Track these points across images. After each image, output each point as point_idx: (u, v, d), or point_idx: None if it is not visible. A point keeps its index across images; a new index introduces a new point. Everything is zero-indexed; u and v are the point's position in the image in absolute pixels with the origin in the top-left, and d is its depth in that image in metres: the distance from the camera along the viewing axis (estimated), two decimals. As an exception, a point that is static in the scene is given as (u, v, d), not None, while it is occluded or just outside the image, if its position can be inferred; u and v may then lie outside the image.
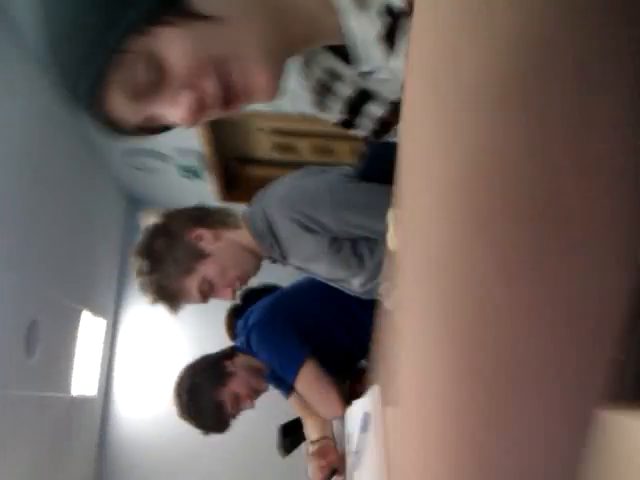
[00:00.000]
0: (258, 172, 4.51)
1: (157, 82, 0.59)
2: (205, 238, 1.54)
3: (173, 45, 0.57)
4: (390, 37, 0.61)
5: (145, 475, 4.57)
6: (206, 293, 1.56)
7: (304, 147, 4.14)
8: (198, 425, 1.96)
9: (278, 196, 1.50)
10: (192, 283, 1.53)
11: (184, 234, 1.52)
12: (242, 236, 1.57)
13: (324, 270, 1.58)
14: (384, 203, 1.43)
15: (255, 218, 1.55)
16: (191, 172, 4.23)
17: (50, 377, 3.82)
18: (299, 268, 1.64)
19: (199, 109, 0.62)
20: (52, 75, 0.61)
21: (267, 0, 0.62)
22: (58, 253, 3.79)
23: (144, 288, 1.55)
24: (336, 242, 1.49)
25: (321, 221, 1.44)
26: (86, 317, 4.31)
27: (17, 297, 3.30)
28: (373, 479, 1.39)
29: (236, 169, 4.51)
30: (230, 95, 0.63)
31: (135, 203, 4.73)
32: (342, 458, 1.85)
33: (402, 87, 0.67)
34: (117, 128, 0.65)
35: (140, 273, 1.54)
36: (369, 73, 0.69)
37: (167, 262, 1.51)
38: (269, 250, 1.57)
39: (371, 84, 0.71)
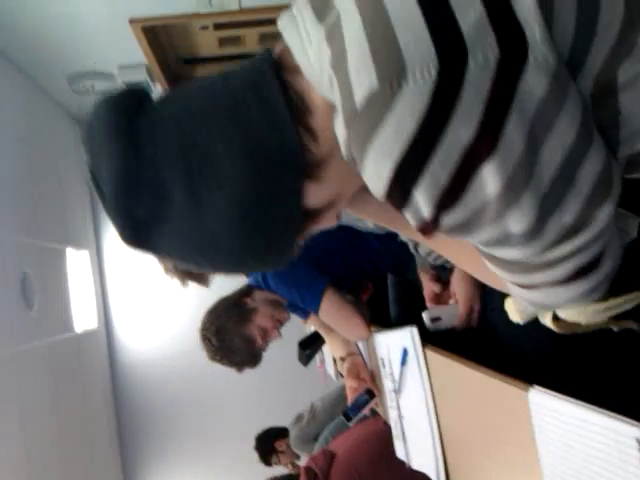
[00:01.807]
0: (207, 71, 4.32)
1: None
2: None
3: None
4: None
5: (156, 395, 4.78)
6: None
7: (251, 36, 3.97)
8: (232, 364, 2.02)
9: None
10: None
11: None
12: None
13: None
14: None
15: None
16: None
17: (53, 322, 3.87)
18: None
19: None
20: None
21: None
22: (27, 200, 3.69)
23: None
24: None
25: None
26: (70, 254, 4.29)
27: (3, 255, 3.25)
28: (420, 408, 1.53)
29: (185, 74, 4.32)
30: None
31: (89, 128, 4.54)
32: (372, 375, 1.97)
33: None
34: None
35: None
36: None
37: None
38: None
39: None
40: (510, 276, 0.60)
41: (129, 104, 0.57)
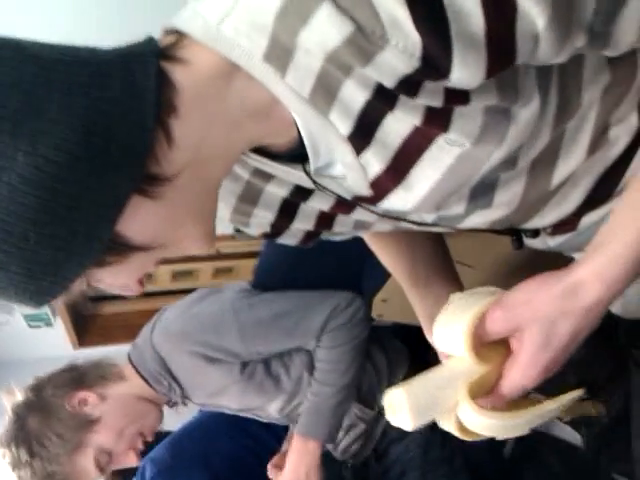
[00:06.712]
0: (113, 309, 4.17)
1: None
2: (89, 402, 1.30)
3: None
4: (363, 134, 0.53)
5: None
6: (105, 464, 1.30)
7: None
8: None
9: (173, 329, 1.32)
10: (86, 458, 1.27)
11: (62, 403, 1.27)
12: (132, 385, 1.35)
13: (235, 401, 1.40)
14: (290, 310, 1.32)
15: (145, 359, 1.35)
16: (41, 321, 3.80)
17: None
18: (203, 405, 1.45)
19: None
20: None
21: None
22: None
23: None
24: (247, 367, 1.33)
25: (227, 347, 1.29)
26: None
27: None
28: None
29: (89, 310, 4.14)
30: None
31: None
32: None
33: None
34: None
35: (17, 465, 1.23)
36: (319, 170, 0.59)
37: (49, 442, 1.23)
38: (167, 393, 1.37)
39: (319, 180, 0.61)
40: None
41: None
